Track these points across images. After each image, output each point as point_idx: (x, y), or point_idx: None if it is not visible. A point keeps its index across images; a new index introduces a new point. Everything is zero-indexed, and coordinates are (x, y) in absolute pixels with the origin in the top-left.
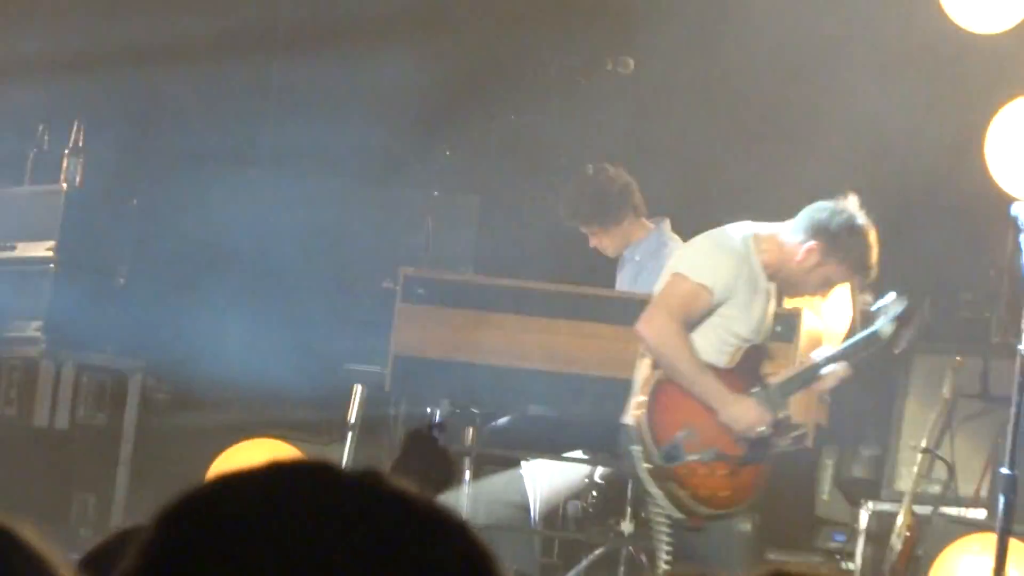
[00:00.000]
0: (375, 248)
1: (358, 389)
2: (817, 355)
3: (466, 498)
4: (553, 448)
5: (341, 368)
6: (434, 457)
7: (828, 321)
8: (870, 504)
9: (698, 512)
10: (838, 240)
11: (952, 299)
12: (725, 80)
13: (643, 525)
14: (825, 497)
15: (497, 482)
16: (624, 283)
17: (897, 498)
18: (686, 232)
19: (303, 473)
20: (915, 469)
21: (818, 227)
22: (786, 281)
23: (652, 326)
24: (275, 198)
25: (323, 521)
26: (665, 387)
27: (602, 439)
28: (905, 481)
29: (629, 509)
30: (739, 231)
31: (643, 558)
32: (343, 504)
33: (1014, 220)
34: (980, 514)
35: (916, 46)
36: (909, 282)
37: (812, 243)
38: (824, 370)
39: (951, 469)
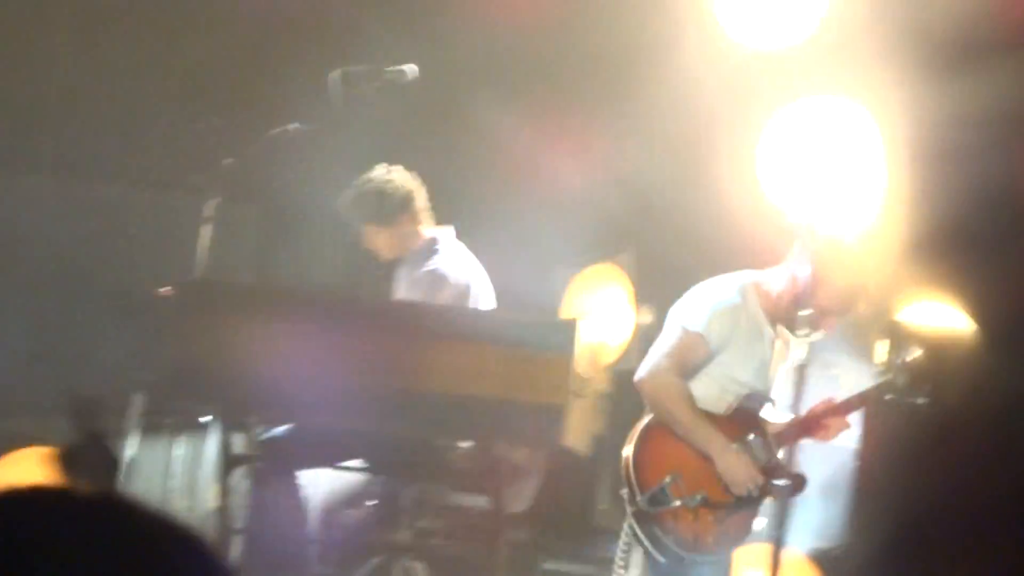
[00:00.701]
0: (154, 255)
1: (136, 397)
2: (821, 402)
3: (243, 508)
4: (330, 458)
5: (120, 376)
6: (95, 452)
7: (606, 335)
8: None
9: (681, 556)
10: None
11: None
12: (503, 88)
13: (419, 535)
14: (603, 506)
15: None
16: (398, 290)
17: None
18: (474, 234)
19: (37, 499)
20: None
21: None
22: (787, 318)
23: (649, 377)
24: (54, 204)
25: (59, 545)
26: (653, 431)
27: (380, 450)
28: None
29: (405, 520)
30: (737, 280)
31: (418, 569)
32: (79, 528)
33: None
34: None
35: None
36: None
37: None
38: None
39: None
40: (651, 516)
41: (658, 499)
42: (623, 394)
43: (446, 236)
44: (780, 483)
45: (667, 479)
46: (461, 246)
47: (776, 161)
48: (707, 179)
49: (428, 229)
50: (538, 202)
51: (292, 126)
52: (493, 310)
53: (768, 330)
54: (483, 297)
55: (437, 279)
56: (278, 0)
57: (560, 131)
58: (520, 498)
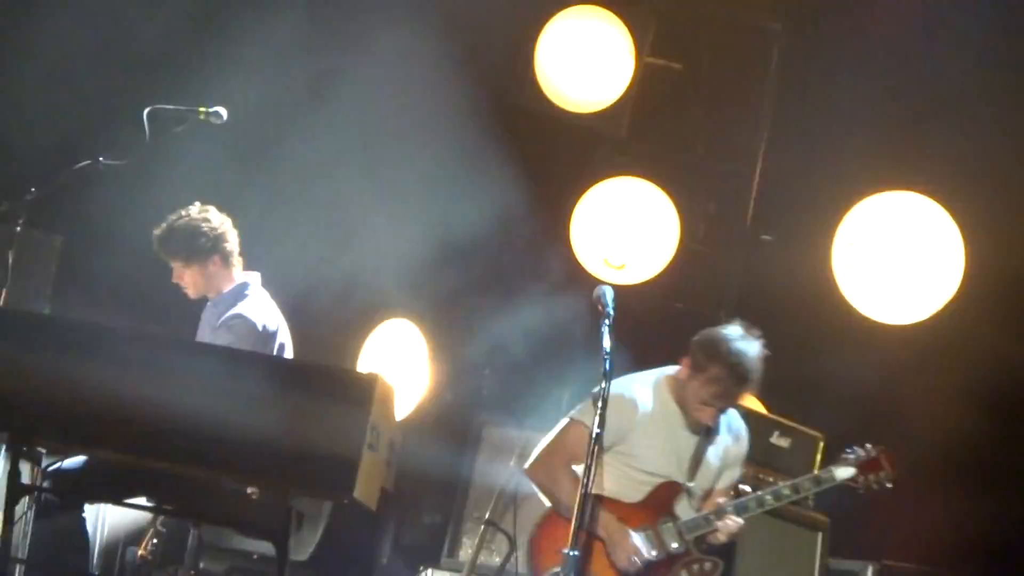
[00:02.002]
0: None
1: None
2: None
3: (27, 538)
4: (117, 493)
5: None
6: None
7: (402, 388)
8: (429, 571)
9: None
10: (697, 359)
11: (527, 375)
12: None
13: None
14: (384, 561)
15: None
16: (203, 330)
17: (458, 567)
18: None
19: None
20: (476, 540)
21: (691, 349)
22: (682, 408)
23: (534, 464)
24: None
25: None
26: (552, 518)
27: (168, 489)
28: (466, 550)
29: (188, 560)
30: (652, 375)
31: None
32: None
33: (597, 300)
34: None
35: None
36: (494, 356)
37: (686, 360)
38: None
39: (512, 542)
40: None
41: None
42: (414, 449)
43: (254, 281)
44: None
45: (563, 565)
46: (265, 293)
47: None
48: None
49: (237, 272)
50: (345, 247)
51: (100, 159)
52: (293, 359)
53: (681, 421)
54: (286, 345)
55: (244, 324)
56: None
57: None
58: (304, 547)
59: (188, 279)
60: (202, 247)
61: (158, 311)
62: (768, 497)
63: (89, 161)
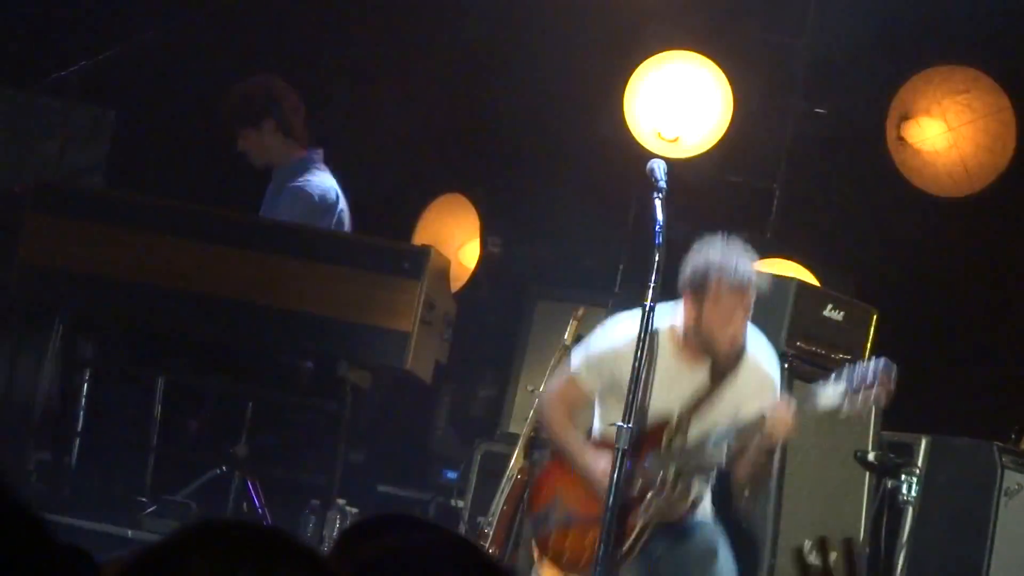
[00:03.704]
0: (6, 153)
1: None
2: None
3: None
4: (174, 366)
5: None
6: None
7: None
8: (484, 444)
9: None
10: (695, 288)
11: (578, 248)
12: None
13: (257, 451)
14: (439, 433)
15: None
16: (266, 201)
17: (511, 440)
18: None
19: None
20: (531, 413)
21: (683, 283)
22: (704, 344)
23: (539, 402)
24: None
25: None
26: (546, 464)
27: (224, 362)
28: (520, 424)
29: (245, 433)
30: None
31: (256, 484)
32: None
33: (650, 174)
34: None
35: None
36: (546, 229)
37: (685, 297)
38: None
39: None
40: (536, 539)
41: (540, 522)
42: (468, 322)
43: (318, 156)
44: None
45: (550, 504)
46: (326, 168)
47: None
48: (560, 117)
49: (300, 145)
50: (396, 131)
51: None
52: (346, 232)
53: (675, 365)
54: (345, 220)
55: (303, 195)
56: None
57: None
58: (360, 420)
59: (248, 146)
60: (254, 111)
61: (213, 187)
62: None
63: (142, 35)
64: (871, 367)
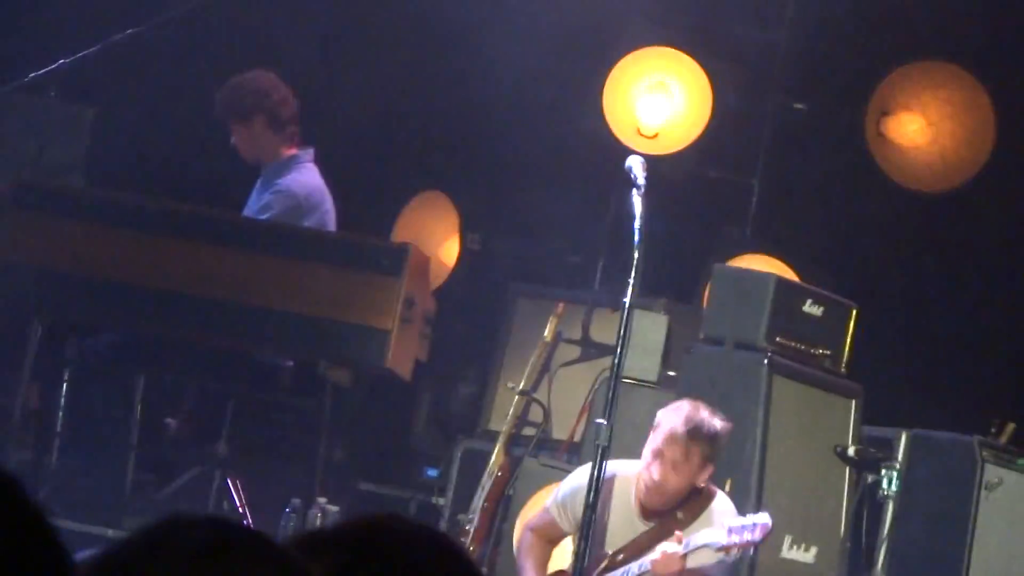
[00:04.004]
0: None
1: None
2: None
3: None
4: (152, 366)
5: None
6: None
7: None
8: (464, 441)
9: None
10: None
11: (558, 244)
12: None
13: (237, 449)
14: (420, 431)
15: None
16: (252, 198)
17: (492, 437)
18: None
19: None
20: (511, 410)
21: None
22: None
23: (519, 528)
24: None
25: None
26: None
27: (203, 361)
28: (500, 421)
29: (225, 431)
30: (611, 469)
31: (237, 483)
32: None
33: (628, 171)
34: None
35: None
36: (526, 226)
37: None
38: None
39: (547, 412)
40: None
41: None
42: (448, 320)
43: (307, 155)
44: None
45: None
46: (315, 168)
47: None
48: (540, 113)
49: (290, 143)
50: (374, 128)
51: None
52: (325, 230)
53: (639, 523)
54: (330, 221)
55: (286, 194)
56: None
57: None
58: (340, 418)
59: (238, 141)
60: (245, 105)
61: (193, 185)
62: None
63: (124, 32)
64: (756, 525)
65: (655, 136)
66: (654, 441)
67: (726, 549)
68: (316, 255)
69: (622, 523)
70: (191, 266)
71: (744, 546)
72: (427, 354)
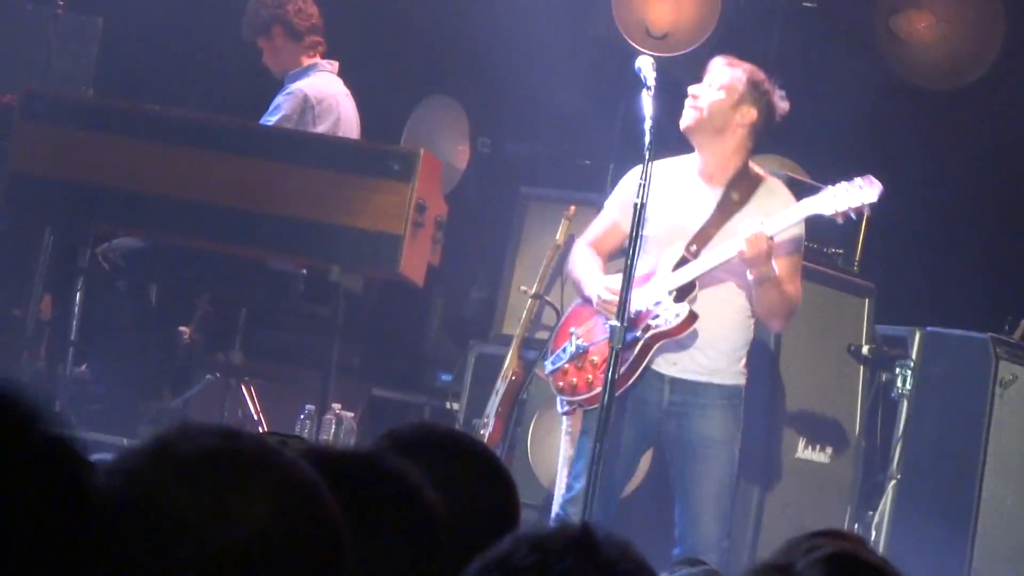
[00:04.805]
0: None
1: None
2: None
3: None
4: (167, 273)
5: None
6: None
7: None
8: (477, 346)
9: (568, 404)
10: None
11: (568, 147)
12: None
13: (251, 357)
14: (433, 336)
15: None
16: (270, 108)
17: (505, 341)
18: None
19: None
20: (524, 314)
21: None
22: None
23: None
24: None
25: None
26: (573, 308)
27: (216, 267)
28: (513, 325)
29: (239, 339)
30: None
31: (251, 390)
32: None
33: (637, 72)
34: None
35: None
36: (536, 128)
37: None
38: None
39: (560, 314)
40: (553, 375)
41: (559, 359)
42: (460, 224)
43: (328, 66)
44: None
45: (568, 344)
46: (338, 79)
47: None
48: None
49: (311, 54)
50: (381, 33)
51: None
52: (336, 136)
53: (670, 180)
54: (349, 126)
55: (293, 97)
56: None
57: None
58: (353, 325)
59: (266, 56)
60: (263, 18)
61: (203, 94)
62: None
63: None
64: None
65: (664, 37)
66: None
67: (840, 215)
68: (327, 161)
69: (688, 194)
70: (202, 174)
71: (858, 209)
72: (439, 259)
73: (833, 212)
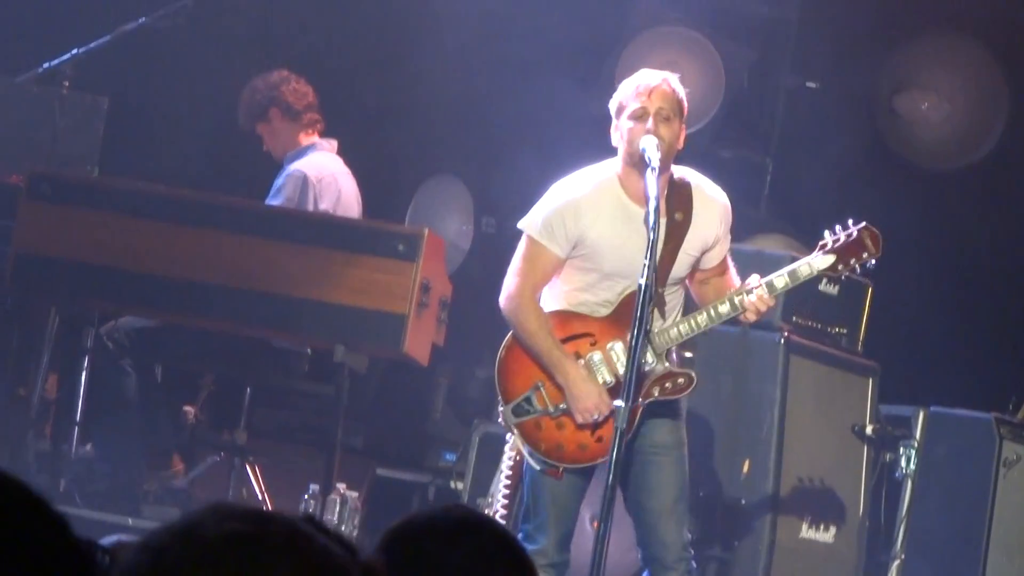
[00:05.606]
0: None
1: None
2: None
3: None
4: (171, 353)
5: None
6: None
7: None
8: (482, 425)
9: (547, 464)
10: (614, 109)
11: None
12: None
13: (256, 436)
14: (437, 416)
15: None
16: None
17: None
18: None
19: None
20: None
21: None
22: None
23: (504, 300)
24: None
25: None
26: (509, 348)
27: (220, 347)
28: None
29: (243, 418)
30: (589, 171)
31: (256, 469)
32: None
33: (641, 153)
34: None
35: None
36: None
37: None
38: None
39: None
40: (515, 427)
41: (522, 409)
42: (464, 304)
43: (327, 145)
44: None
45: (530, 390)
46: (337, 158)
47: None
48: (552, 94)
49: (309, 133)
50: (386, 113)
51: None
52: (341, 216)
53: (638, 210)
54: (348, 207)
55: (293, 178)
56: None
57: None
58: (358, 404)
59: (266, 141)
60: (259, 104)
61: (208, 174)
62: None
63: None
64: (848, 230)
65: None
66: (628, 101)
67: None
68: (332, 241)
69: (624, 224)
70: (207, 254)
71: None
72: (444, 338)
73: (836, 269)
